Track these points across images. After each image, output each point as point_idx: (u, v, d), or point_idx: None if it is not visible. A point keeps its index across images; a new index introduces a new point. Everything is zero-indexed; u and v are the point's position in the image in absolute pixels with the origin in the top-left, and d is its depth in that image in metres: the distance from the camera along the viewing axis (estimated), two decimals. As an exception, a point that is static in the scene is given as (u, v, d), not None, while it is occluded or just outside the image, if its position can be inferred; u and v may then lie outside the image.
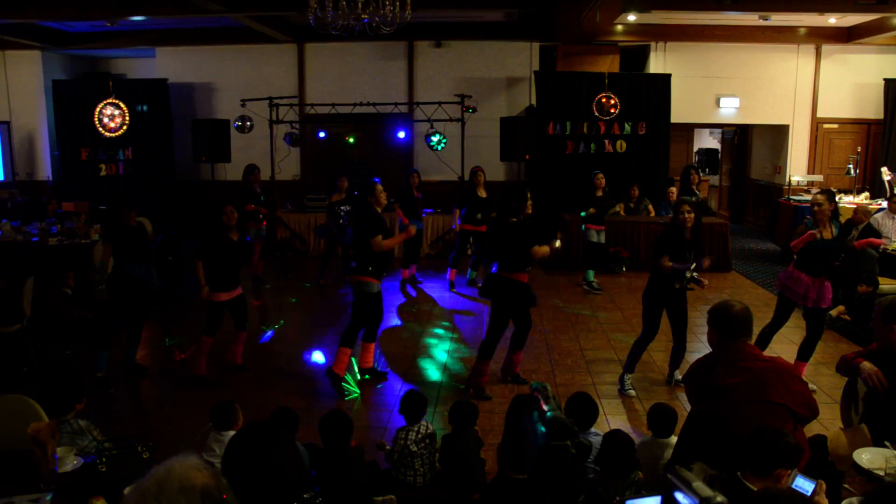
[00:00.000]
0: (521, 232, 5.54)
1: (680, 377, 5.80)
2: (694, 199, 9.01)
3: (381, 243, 5.69)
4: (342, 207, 9.26)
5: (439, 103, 10.92)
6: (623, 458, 3.22)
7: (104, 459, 2.80)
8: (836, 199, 5.98)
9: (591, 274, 9.35)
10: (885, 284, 7.58)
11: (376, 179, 5.96)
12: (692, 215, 5.50)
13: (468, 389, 5.71)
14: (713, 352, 3.20)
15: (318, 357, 6.63)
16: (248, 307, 6.29)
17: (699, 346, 6.79)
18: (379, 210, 5.85)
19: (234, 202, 6.32)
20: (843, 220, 9.28)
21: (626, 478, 3.22)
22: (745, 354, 3.06)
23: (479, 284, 7.95)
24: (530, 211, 5.66)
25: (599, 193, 9.17)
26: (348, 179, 9.54)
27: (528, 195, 5.67)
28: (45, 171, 13.34)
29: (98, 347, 5.96)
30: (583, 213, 9.23)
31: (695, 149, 16.78)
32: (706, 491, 1.85)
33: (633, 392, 5.71)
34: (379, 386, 5.92)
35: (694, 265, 5.50)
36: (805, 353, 5.72)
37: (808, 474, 2.55)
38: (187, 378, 6.00)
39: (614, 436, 3.34)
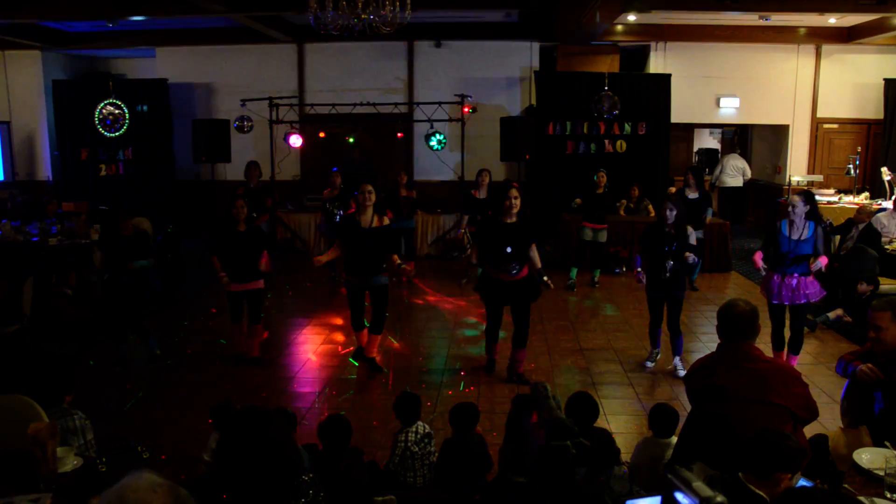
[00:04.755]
0: (500, 232, 5.63)
1: (681, 366, 5.99)
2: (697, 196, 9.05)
3: (336, 249, 6.08)
4: (335, 203, 9.22)
5: (439, 103, 10.91)
6: (602, 452, 3.23)
7: (104, 459, 2.80)
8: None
9: (597, 273, 9.54)
10: (885, 284, 7.58)
11: (367, 181, 6.01)
12: (673, 212, 5.96)
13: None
14: (714, 352, 3.20)
15: (319, 357, 6.63)
16: (263, 302, 6.55)
17: (699, 346, 6.79)
18: (360, 213, 5.90)
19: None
20: (844, 219, 9.32)
21: (608, 473, 3.21)
22: (746, 355, 3.06)
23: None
24: (517, 209, 5.69)
25: (600, 191, 9.26)
26: (346, 177, 9.50)
27: (514, 194, 5.70)
28: (45, 171, 13.31)
29: (116, 342, 6.30)
30: (573, 205, 9.41)
31: (695, 149, 16.76)
32: (706, 491, 1.84)
33: (650, 364, 6.28)
34: (374, 385, 5.92)
35: (672, 263, 5.88)
36: (791, 346, 5.93)
37: (808, 474, 2.55)
38: (186, 376, 6.06)
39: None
